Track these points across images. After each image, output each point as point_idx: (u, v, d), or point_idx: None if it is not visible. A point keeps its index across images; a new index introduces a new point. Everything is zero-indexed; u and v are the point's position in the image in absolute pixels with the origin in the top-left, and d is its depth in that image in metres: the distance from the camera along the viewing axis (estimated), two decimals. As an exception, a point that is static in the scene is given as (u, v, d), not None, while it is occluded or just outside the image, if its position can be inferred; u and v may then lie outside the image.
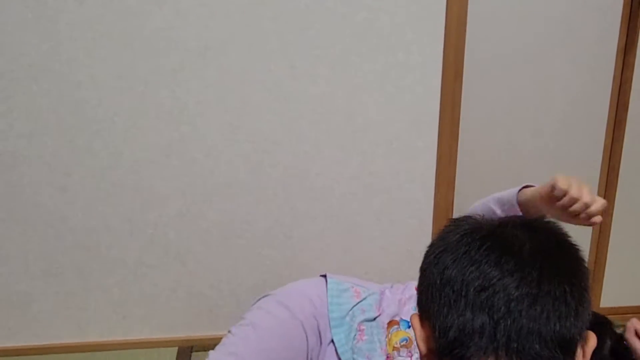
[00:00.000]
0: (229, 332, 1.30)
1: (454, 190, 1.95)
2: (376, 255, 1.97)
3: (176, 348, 1.93)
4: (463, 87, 1.85)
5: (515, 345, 0.57)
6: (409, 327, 1.30)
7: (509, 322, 0.57)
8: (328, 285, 1.34)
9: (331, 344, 1.29)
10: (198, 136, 1.78)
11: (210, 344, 1.95)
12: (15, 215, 1.79)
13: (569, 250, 0.65)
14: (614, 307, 2.15)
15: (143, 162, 1.78)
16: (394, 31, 1.74)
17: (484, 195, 2.01)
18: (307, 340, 1.26)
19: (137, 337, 1.95)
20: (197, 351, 1.93)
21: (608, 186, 2.03)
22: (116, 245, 1.85)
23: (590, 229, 2.08)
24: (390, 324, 1.32)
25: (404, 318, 1.32)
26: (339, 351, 1.28)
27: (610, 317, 2.14)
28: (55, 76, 1.68)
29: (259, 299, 1.38)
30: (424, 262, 0.67)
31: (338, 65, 1.76)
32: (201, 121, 1.77)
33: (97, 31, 1.65)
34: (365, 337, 1.31)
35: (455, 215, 1.98)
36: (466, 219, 0.68)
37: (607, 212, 2.05)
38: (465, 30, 1.78)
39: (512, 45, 1.87)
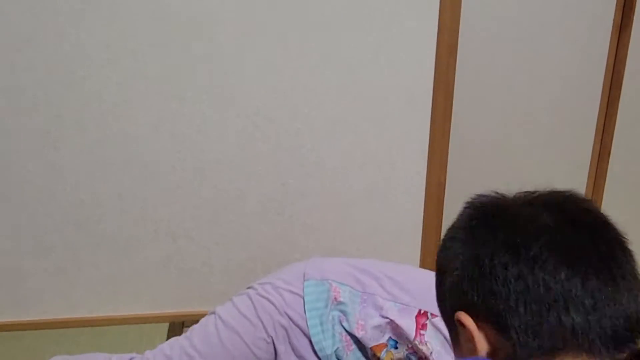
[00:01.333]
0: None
1: (446, 169, 1.95)
2: (367, 232, 1.97)
3: (167, 324, 1.94)
4: (457, 64, 1.84)
5: (603, 338, 0.62)
6: (396, 347, 1.26)
7: (597, 318, 0.61)
8: (305, 290, 1.28)
9: (304, 346, 1.29)
10: (189, 111, 1.75)
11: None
12: (3, 191, 1.76)
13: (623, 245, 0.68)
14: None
15: (133, 137, 1.76)
16: (389, 5, 1.71)
17: (476, 174, 2.01)
18: (266, 343, 1.28)
19: (127, 312, 1.95)
20: (188, 327, 1.93)
21: (599, 164, 2.04)
22: (106, 221, 1.84)
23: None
24: (378, 347, 1.27)
25: (392, 337, 1.27)
26: (320, 355, 1.27)
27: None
28: (41, 48, 1.64)
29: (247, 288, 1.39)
30: (479, 265, 0.67)
31: (331, 39, 1.73)
32: (192, 95, 1.74)
33: (84, 2, 1.61)
34: (352, 347, 1.29)
35: (448, 194, 1.98)
36: (507, 212, 0.70)
37: (598, 190, 2.06)
38: (460, 7, 1.75)
39: (507, 22, 1.86)
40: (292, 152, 1.84)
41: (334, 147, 1.85)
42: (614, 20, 1.88)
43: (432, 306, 0.95)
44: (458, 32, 1.79)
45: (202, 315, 1.96)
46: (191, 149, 1.79)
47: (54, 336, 1.86)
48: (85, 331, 1.89)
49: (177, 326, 1.92)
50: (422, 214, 1.97)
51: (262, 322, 1.27)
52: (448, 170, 1.96)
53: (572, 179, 2.05)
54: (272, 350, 1.28)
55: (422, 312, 1.25)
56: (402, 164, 1.91)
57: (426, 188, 1.95)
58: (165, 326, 1.92)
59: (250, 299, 1.31)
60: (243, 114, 1.78)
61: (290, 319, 1.26)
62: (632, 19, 1.88)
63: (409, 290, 1.28)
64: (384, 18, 1.73)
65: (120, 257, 1.88)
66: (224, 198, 1.86)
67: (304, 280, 1.29)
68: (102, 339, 1.85)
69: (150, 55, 1.68)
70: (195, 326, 1.36)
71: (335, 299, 1.27)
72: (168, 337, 1.86)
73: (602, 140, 2.02)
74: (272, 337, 1.27)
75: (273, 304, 1.28)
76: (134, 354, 1.36)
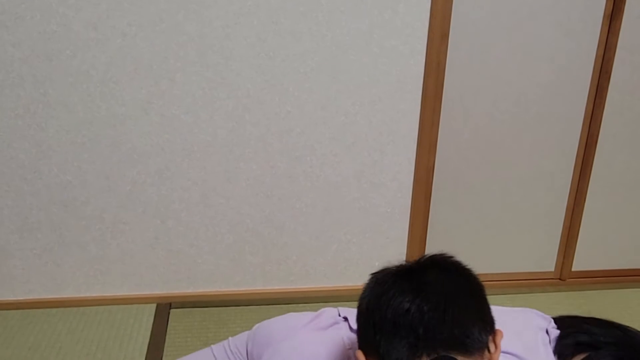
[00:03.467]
0: None
1: (435, 154, 1.95)
2: (356, 216, 1.98)
3: (154, 305, 1.94)
4: (448, 50, 1.83)
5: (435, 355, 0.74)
6: None
7: (427, 340, 0.73)
8: None
9: None
10: (178, 92, 1.74)
11: (188, 301, 1.96)
12: (-13, 169, 1.74)
13: (464, 273, 0.82)
14: (586, 271, 2.21)
15: (120, 117, 1.74)
16: (381, -11, 1.70)
17: (465, 159, 2.02)
18: None
19: (114, 293, 1.94)
20: (175, 308, 1.94)
21: (586, 152, 2.06)
22: (93, 202, 1.83)
23: (566, 193, 2.11)
24: None
25: None
26: None
27: (581, 280, 2.22)
28: (28, 25, 1.61)
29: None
30: (362, 307, 0.81)
31: (323, 22, 1.72)
32: (181, 76, 1.72)
33: (72, -22, 1.58)
34: None
35: (436, 178, 1.99)
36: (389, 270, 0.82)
37: (584, 178, 2.08)
38: (453, -9, 1.75)
39: (499, 9, 1.85)
40: (282, 135, 1.83)
41: (324, 130, 1.85)
42: (604, 9, 1.89)
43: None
44: (450, 18, 1.78)
45: (190, 297, 1.97)
46: (180, 130, 1.78)
47: (40, 316, 1.86)
48: (72, 312, 1.89)
49: (165, 307, 1.93)
50: (410, 197, 1.98)
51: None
52: (437, 155, 1.97)
53: (559, 166, 2.07)
54: None
55: None
56: (391, 148, 1.91)
57: (415, 172, 1.95)
58: (152, 307, 1.93)
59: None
60: (233, 95, 1.76)
61: None
62: (623, 9, 1.89)
63: None
64: (376, 2, 1.72)
65: (108, 238, 1.88)
66: (213, 180, 1.86)
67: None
68: (89, 319, 1.85)
69: (138, 35, 1.66)
70: None
71: None
72: (155, 318, 1.87)
73: (589, 128, 2.03)
74: None
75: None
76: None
